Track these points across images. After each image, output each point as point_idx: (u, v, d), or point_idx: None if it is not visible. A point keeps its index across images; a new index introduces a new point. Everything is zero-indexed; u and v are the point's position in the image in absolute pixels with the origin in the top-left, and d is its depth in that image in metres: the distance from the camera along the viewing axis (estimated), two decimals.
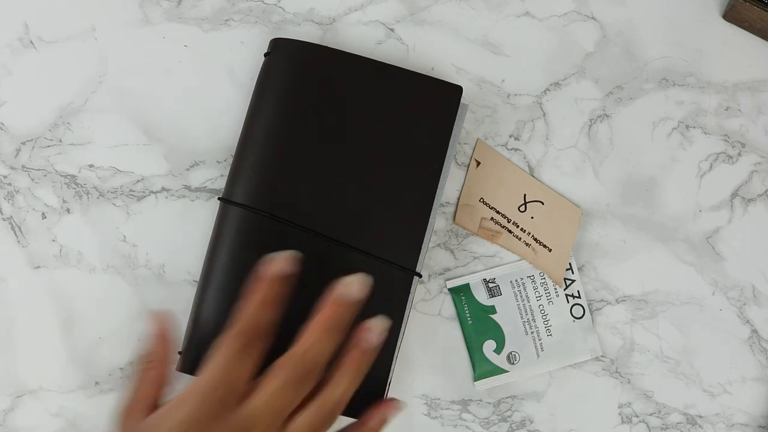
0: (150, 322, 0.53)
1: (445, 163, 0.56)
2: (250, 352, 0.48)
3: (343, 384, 0.50)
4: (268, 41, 0.58)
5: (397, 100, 0.55)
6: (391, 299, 0.54)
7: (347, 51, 0.56)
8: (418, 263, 0.55)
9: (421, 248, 0.55)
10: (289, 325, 0.53)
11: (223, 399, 0.47)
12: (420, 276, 0.55)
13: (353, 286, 0.51)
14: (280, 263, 0.50)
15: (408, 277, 0.55)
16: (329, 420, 0.49)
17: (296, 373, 0.48)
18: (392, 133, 0.55)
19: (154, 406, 0.51)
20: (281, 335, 0.52)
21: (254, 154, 0.55)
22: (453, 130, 0.56)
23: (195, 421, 0.46)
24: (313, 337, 0.49)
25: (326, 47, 0.56)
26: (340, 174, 0.55)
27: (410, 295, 0.55)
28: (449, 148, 0.56)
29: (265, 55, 0.57)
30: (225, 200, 0.55)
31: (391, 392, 0.58)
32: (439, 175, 0.55)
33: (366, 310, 0.53)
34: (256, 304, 0.49)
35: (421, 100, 0.55)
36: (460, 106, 0.56)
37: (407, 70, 0.56)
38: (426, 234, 0.55)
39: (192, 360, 0.54)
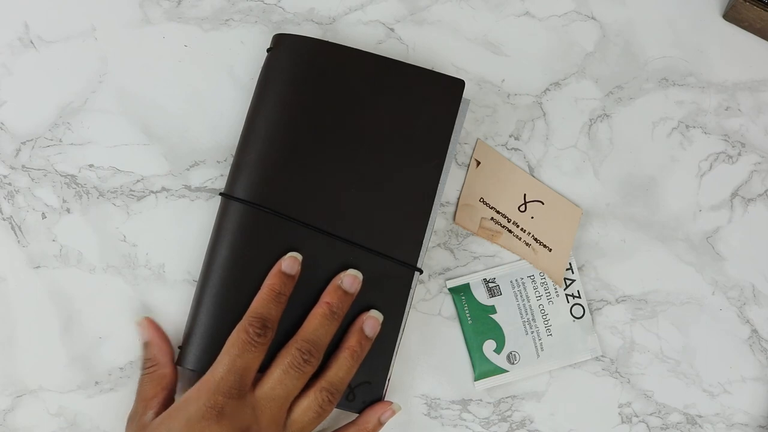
0: (139, 330, 0.56)
1: (446, 157, 0.56)
2: (257, 341, 0.51)
3: (343, 368, 0.53)
4: (269, 40, 0.58)
5: (399, 95, 0.55)
6: (391, 294, 0.54)
7: (349, 46, 0.57)
8: (419, 259, 0.55)
9: (422, 243, 0.55)
10: (291, 319, 0.53)
11: (234, 388, 0.50)
12: (421, 271, 0.55)
13: (351, 277, 0.54)
14: (289, 261, 0.53)
15: (409, 273, 0.55)
16: (331, 402, 0.52)
17: (298, 357, 0.51)
18: (394, 128, 0.55)
19: (165, 404, 0.53)
20: (285, 329, 0.53)
21: (256, 150, 0.55)
22: (455, 125, 0.56)
23: (209, 410, 0.49)
24: (314, 323, 0.52)
25: (328, 42, 0.56)
26: (341, 169, 0.55)
27: (411, 291, 0.55)
28: (451, 142, 0.56)
29: (268, 50, 0.57)
30: (226, 195, 0.55)
31: (392, 392, 0.58)
32: (441, 170, 0.55)
33: (367, 305, 0.54)
34: (265, 296, 0.53)
35: (423, 94, 0.55)
36: (462, 100, 0.56)
37: (409, 64, 0.56)
38: (427, 229, 0.55)
39: (192, 354, 0.54)
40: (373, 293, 0.54)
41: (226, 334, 0.53)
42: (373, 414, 0.54)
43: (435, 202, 0.55)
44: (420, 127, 0.55)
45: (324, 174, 0.55)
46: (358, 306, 0.54)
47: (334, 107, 0.55)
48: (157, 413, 0.52)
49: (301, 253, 0.54)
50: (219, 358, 0.51)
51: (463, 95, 0.56)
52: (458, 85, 0.56)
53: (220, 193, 0.55)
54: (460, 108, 0.56)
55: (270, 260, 0.54)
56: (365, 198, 0.55)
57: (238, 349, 0.51)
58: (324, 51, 0.56)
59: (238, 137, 0.57)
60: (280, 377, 0.51)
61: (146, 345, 0.56)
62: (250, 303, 0.53)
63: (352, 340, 0.53)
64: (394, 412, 0.54)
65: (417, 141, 0.55)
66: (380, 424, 0.54)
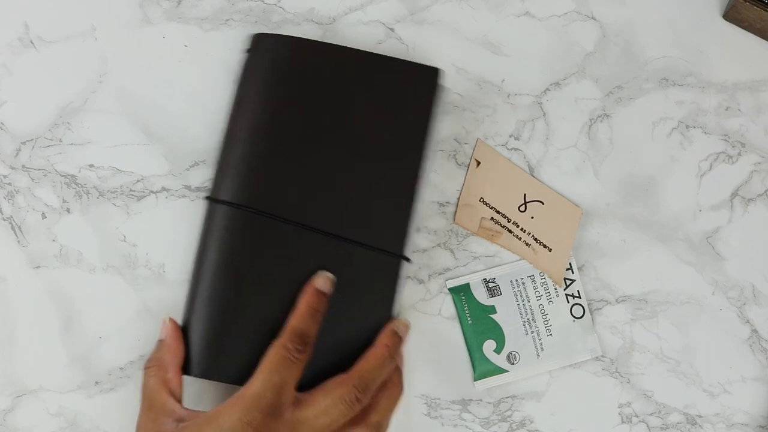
0: (161, 326, 0.55)
1: (427, 145, 0.56)
2: (297, 358, 0.50)
3: (392, 406, 0.53)
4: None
5: (377, 86, 0.56)
6: (380, 286, 0.54)
7: (325, 41, 0.56)
8: (406, 248, 0.55)
9: (407, 232, 0.55)
10: (276, 313, 0.53)
11: (272, 406, 0.49)
12: (409, 260, 0.55)
13: (405, 325, 0.54)
14: (323, 280, 0.53)
15: (396, 263, 0.55)
16: None
17: (353, 394, 0.50)
18: (374, 119, 0.55)
19: (179, 409, 0.51)
20: (269, 330, 0.53)
21: (239, 152, 0.55)
22: (433, 112, 0.56)
23: (245, 426, 0.48)
24: (373, 364, 0.52)
25: (305, 39, 0.56)
26: (324, 164, 0.55)
27: (400, 281, 0.55)
28: (431, 130, 0.56)
29: (246, 51, 0.57)
30: (212, 199, 0.55)
31: None
32: (422, 158, 0.55)
33: (357, 297, 0.54)
34: (304, 313, 0.52)
35: (400, 84, 0.56)
36: (439, 87, 0.56)
37: (385, 56, 0.56)
38: (412, 218, 0.55)
39: (186, 361, 0.54)
40: (362, 285, 0.54)
41: (220, 339, 0.53)
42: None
43: (418, 191, 0.55)
44: (399, 117, 0.55)
45: (307, 170, 0.55)
46: (351, 301, 0.54)
47: (313, 103, 0.55)
48: (178, 420, 0.50)
49: (289, 250, 0.54)
50: (256, 373, 0.50)
51: (441, 82, 0.56)
52: (434, 73, 0.56)
53: (205, 197, 0.55)
54: (438, 95, 0.56)
55: (260, 261, 0.54)
56: (349, 191, 0.55)
57: (276, 365, 0.50)
58: (300, 48, 0.56)
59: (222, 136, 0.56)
60: (327, 407, 0.50)
61: (160, 343, 0.54)
62: (243, 307, 0.53)
63: (395, 378, 0.53)
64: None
65: (397, 131, 0.55)
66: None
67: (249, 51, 0.57)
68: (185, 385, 0.53)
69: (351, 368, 0.52)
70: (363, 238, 0.55)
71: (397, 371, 0.54)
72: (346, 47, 0.56)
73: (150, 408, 0.51)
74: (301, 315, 0.52)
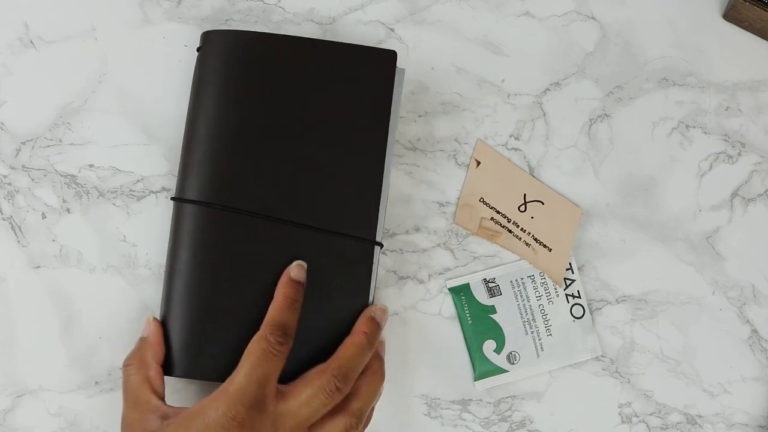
0: (144, 325, 0.54)
1: (390, 129, 0.55)
2: (279, 350, 0.50)
3: (374, 393, 0.52)
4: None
5: (334, 74, 0.55)
6: (355, 273, 0.54)
7: (276, 33, 0.56)
8: (377, 233, 0.55)
9: (377, 217, 0.55)
10: (253, 307, 0.53)
11: (255, 399, 0.49)
12: (381, 245, 0.55)
13: (382, 310, 0.54)
14: (297, 269, 0.53)
15: (369, 248, 0.55)
16: (357, 427, 0.51)
17: (333, 383, 0.50)
18: (334, 107, 0.55)
19: (162, 408, 0.51)
20: (247, 324, 0.52)
21: (200, 150, 0.54)
22: (393, 95, 0.56)
23: (230, 420, 0.48)
24: (351, 352, 0.52)
25: (255, 33, 0.56)
26: (287, 156, 0.55)
27: (374, 266, 0.55)
28: (392, 113, 0.56)
29: (198, 50, 0.57)
30: (178, 199, 0.55)
31: (391, 392, 0.58)
32: (386, 142, 0.55)
33: (332, 285, 0.54)
34: (282, 304, 0.52)
35: (357, 70, 0.56)
36: (397, 70, 0.56)
37: (339, 42, 0.56)
38: (381, 202, 0.55)
39: (166, 362, 0.54)
40: (337, 273, 0.54)
41: (199, 338, 0.53)
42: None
43: (385, 175, 0.55)
44: (359, 103, 0.55)
45: (271, 163, 0.54)
46: (327, 290, 0.54)
47: (272, 95, 0.55)
48: (163, 417, 0.50)
49: (260, 244, 0.54)
50: (238, 368, 0.50)
51: (398, 62, 0.56)
52: (390, 56, 0.56)
53: (172, 198, 0.55)
54: (396, 78, 0.56)
55: (232, 257, 0.53)
56: (316, 180, 0.55)
57: (258, 358, 0.50)
58: (252, 41, 0.55)
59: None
60: (308, 398, 0.50)
61: (141, 340, 0.54)
62: (220, 304, 0.53)
63: (375, 365, 0.53)
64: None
65: (358, 116, 0.55)
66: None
67: (199, 50, 0.56)
68: (166, 381, 0.53)
69: (330, 357, 0.52)
70: (333, 226, 0.54)
71: (378, 359, 0.54)
72: (297, 36, 0.56)
73: (134, 406, 0.51)
74: (280, 306, 0.52)
